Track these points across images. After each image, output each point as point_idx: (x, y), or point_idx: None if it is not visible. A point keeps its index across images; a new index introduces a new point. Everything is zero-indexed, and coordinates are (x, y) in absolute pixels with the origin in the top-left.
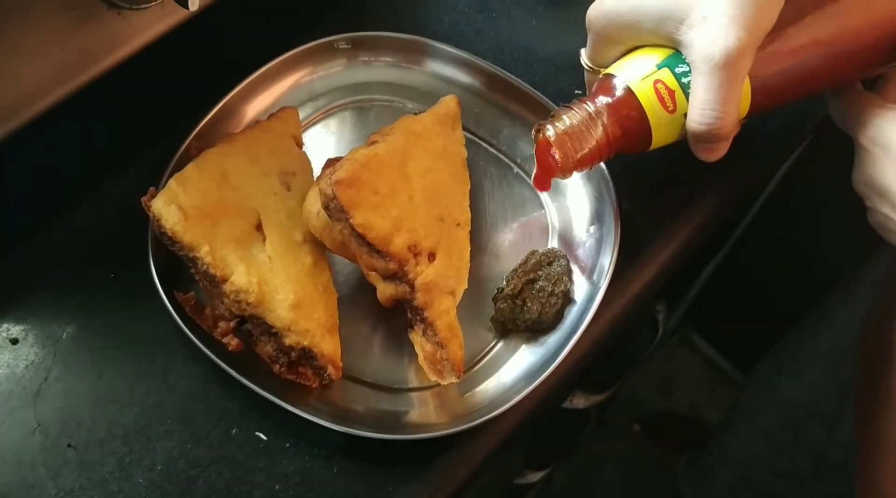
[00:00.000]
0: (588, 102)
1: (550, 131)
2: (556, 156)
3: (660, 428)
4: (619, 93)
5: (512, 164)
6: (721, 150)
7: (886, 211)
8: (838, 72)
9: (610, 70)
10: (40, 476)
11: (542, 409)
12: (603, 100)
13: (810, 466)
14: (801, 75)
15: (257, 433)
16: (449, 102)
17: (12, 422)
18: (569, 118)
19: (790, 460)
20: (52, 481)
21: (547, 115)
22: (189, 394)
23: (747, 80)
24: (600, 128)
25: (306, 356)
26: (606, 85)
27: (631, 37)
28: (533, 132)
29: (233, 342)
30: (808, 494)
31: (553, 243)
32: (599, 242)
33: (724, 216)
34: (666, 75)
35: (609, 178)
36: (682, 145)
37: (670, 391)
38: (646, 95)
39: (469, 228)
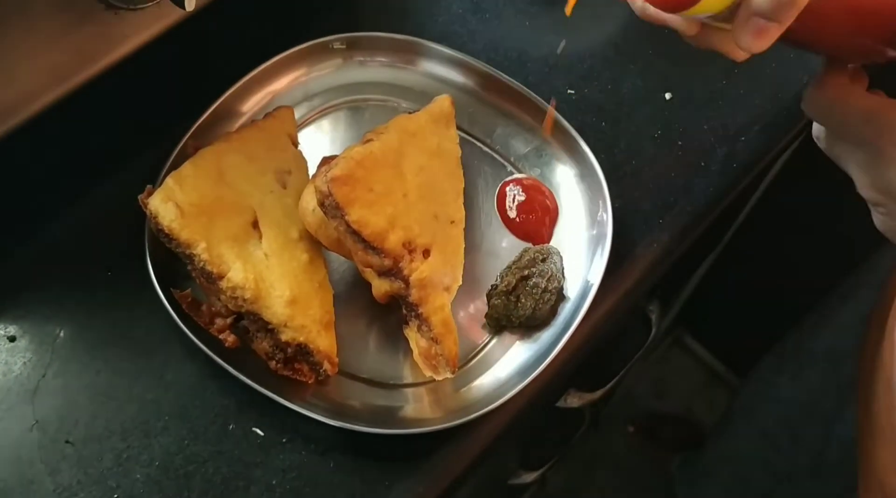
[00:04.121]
0: None
1: None
2: None
3: (654, 429)
4: None
5: (506, 163)
6: (773, 33)
7: None
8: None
9: None
10: (38, 472)
11: (536, 404)
12: None
13: (807, 465)
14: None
15: (254, 429)
16: (443, 102)
17: (10, 419)
18: None
19: (788, 460)
20: (51, 477)
21: (540, 115)
22: (186, 390)
23: None
24: None
25: (302, 352)
26: None
27: None
28: None
29: (229, 339)
30: (804, 494)
31: None
32: (593, 240)
33: (716, 214)
34: None
35: (603, 176)
36: (674, 147)
37: (664, 393)
38: None
39: (463, 226)
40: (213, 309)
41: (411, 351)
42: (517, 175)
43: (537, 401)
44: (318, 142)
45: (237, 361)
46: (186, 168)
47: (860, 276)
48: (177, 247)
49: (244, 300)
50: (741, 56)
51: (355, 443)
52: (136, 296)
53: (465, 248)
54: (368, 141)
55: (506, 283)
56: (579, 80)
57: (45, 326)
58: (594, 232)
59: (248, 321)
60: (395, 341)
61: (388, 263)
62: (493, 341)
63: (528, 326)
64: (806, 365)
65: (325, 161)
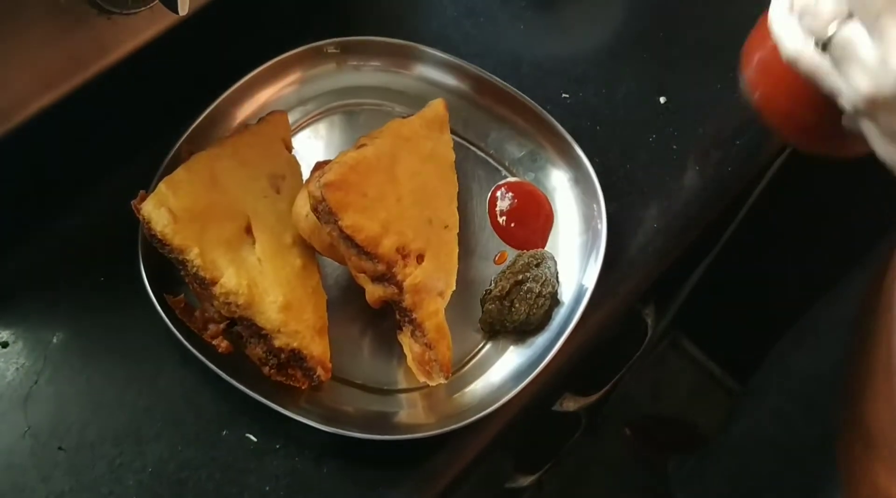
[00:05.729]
0: None
1: None
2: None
3: (650, 432)
4: None
5: (500, 168)
6: None
7: None
8: None
9: None
10: (31, 479)
11: (531, 409)
12: None
13: (817, 438)
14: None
15: (247, 435)
16: (437, 106)
17: (3, 425)
18: None
19: (798, 436)
20: (43, 484)
21: (535, 119)
22: (179, 396)
23: None
24: None
25: (296, 358)
26: None
27: None
28: None
29: (223, 344)
30: (809, 476)
31: None
32: (587, 244)
33: (712, 218)
34: None
35: (597, 180)
36: (669, 151)
37: (660, 396)
38: None
39: (457, 230)
40: (207, 315)
41: (405, 356)
42: (510, 179)
43: (532, 406)
44: (312, 147)
45: (230, 366)
46: (179, 173)
47: (878, 250)
48: (170, 252)
49: (237, 306)
50: None
51: (349, 449)
52: (130, 302)
53: (459, 252)
54: (362, 146)
55: (500, 287)
56: (574, 84)
57: (38, 332)
58: (589, 236)
59: (242, 327)
60: (389, 347)
61: (381, 268)
62: (488, 346)
63: (523, 331)
64: (825, 335)
65: (319, 166)
